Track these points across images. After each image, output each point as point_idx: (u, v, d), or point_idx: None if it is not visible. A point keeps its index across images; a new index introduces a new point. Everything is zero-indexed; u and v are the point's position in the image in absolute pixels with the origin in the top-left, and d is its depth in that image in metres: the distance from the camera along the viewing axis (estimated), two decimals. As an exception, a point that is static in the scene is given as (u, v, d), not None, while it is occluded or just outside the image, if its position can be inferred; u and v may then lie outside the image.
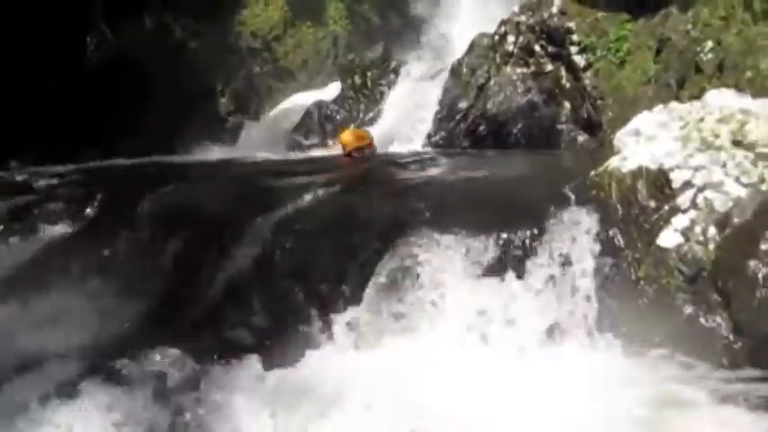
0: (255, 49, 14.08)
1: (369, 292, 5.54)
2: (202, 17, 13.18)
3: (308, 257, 5.85)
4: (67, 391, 4.95)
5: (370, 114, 11.88)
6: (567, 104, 10.02)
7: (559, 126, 9.86)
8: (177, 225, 6.70)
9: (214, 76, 13.58)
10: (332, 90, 12.93)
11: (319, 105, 12.39)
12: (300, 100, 13.38)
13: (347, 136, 9.69)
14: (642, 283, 5.03)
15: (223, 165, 10.26)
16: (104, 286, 6.39)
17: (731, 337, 4.72)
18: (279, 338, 5.51)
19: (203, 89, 13.32)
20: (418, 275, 5.48)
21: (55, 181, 8.60)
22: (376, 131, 11.15)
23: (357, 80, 12.34)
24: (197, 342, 5.44)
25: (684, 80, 9.14)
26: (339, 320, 5.48)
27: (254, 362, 5.18)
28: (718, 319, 4.79)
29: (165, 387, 5.01)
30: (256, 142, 12.74)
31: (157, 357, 5.20)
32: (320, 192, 6.67)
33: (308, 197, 6.55)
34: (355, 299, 5.55)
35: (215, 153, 12.11)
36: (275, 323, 5.67)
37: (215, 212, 6.68)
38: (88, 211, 7.56)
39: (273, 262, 5.95)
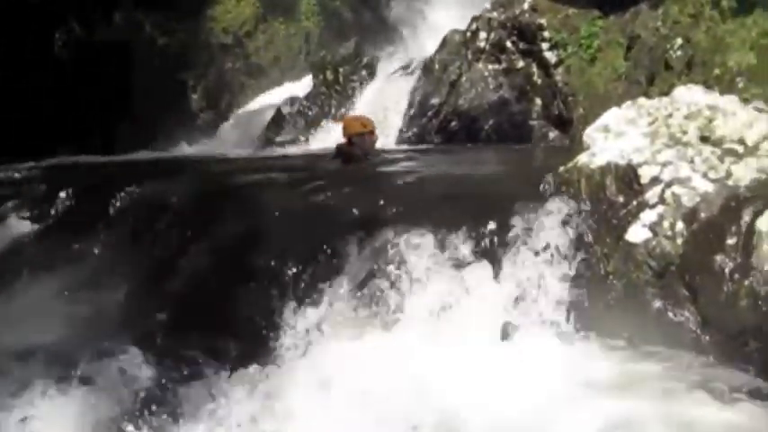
0: (227, 46, 13.99)
1: (341, 286, 5.55)
2: (173, 13, 13.09)
3: (278, 254, 5.84)
4: (31, 392, 4.92)
5: (343, 110, 11.86)
6: (539, 101, 10.07)
7: (531, 122, 9.90)
8: (148, 223, 6.68)
9: (185, 72, 13.50)
10: (304, 86, 12.90)
11: (291, 101, 12.36)
12: (272, 96, 13.35)
13: (350, 120, 9.26)
14: (611, 277, 5.07)
15: (195, 161, 10.22)
16: (71, 285, 6.36)
17: (699, 330, 4.76)
18: (250, 335, 5.50)
19: (174, 85, 13.23)
20: (391, 270, 5.50)
21: (21, 177, 8.53)
22: (348, 128, 11.15)
23: (329, 76, 12.32)
24: (166, 341, 5.42)
25: (654, 77, 9.21)
26: (311, 314, 5.48)
27: (223, 357, 5.17)
28: (686, 313, 4.83)
29: (133, 388, 4.99)
30: (229, 138, 12.71)
31: (125, 358, 5.18)
32: (291, 188, 6.67)
33: (279, 193, 6.54)
34: (326, 293, 5.55)
35: (187, 149, 12.09)
36: (245, 319, 5.65)
37: (186, 210, 6.65)
38: (55, 209, 7.51)
39: (243, 258, 5.94)
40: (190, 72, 13.52)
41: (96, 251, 6.76)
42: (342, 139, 8.66)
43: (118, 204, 7.02)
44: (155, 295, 6.00)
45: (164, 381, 5.14)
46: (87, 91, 11.81)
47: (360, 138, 8.53)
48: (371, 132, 8.69)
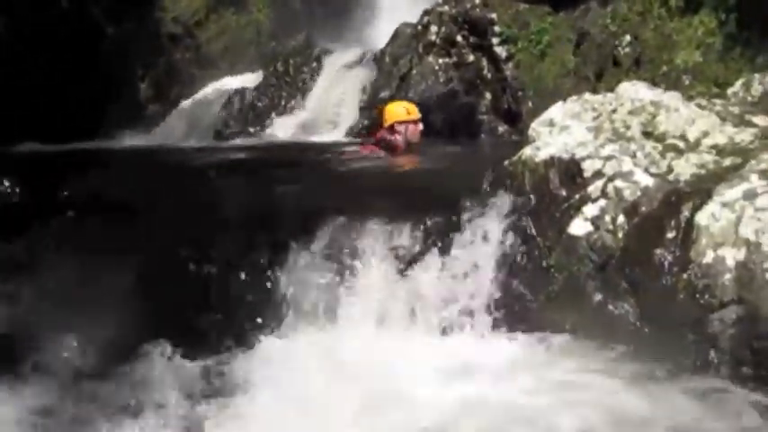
0: (177, 36, 13.87)
1: (286, 282, 5.50)
2: (121, 1, 12.94)
3: (222, 248, 5.76)
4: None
5: (293, 102, 11.83)
6: (488, 95, 10.16)
7: (480, 116, 9.98)
8: (90, 213, 6.54)
9: (134, 61, 13.34)
10: (254, 78, 12.82)
11: (241, 93, 12.30)
12: (222, 87, 13.26)
13: (393, 106, 8.14)
14: (553, 270, 5.07)
15: (141, 152, 10.10)
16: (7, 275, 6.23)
17: (638, 323, 4.79)
18: (193, 329, 5.42)
19: (123, 75, 13.07)
20: (336, 264, 5.47)
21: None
22: (298, 119, 11.13)
23: (279, 68, 12.28)
24: (104, 332, 5.33)
25: (602, 73, 9.34)
26: (256, 310, 5.43)
27: (165, 350, 5.10)
28: (627, 306, 4.85)
29: (68, 378, 4.91)
30: (177, 130, 12.60)
31: (62, 347, 5.09)
32: (237, 181, 6.59)
33: (223, 186, 6.47)
34: (272, 290, 5.50)
35: (134, 140, 11.96)
36: (189, 312, 5.56)
37: (128, 201, 6.53)
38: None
39: (185, 253, 5.84)
40: (138, 61, 13.37)
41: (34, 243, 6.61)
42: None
43: (59, 195, 6.86)
44: (91, 286, 5.88)
45: (103, 374, 5.06)
46: (38, 79, 11.61)
47: (404, 126, 7.78)
48: (416, 121, 7.89)
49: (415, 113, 7.90)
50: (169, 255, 5.92)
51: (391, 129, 7.77)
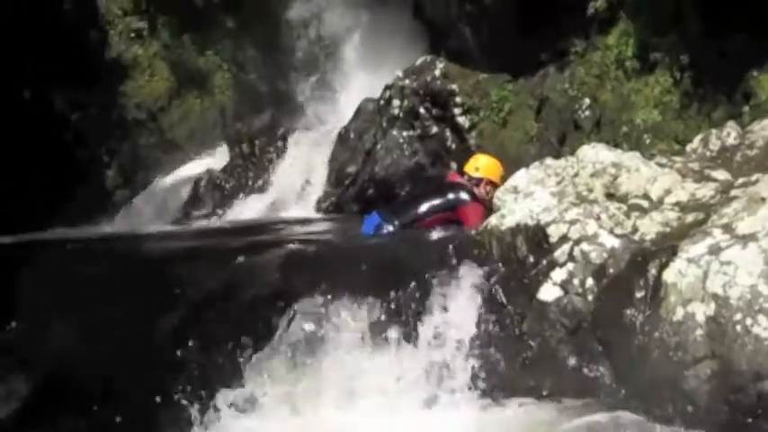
0: (141, 121, 13.91)
1: (256, 364, 5.43)
2: (84, 88, 12.97)
3: (189, 333, 5.66)
4: None
5: (260, 182, 11.87)
6: (454, 165, 10.19)
7: (447, 187, 9.97)
8: (52, 309, 6.42)
9: (99, 148, 13.34)
10: (220, 159, 12.88)
11: (208, 175, 12.33)
12: (189, 170, 13.28)
13: (495, 163, 7.42)
14: (526, 337, 5.07)
15: (105, 240, 10.00)
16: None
17: (614, 384, 4.78)
18: (158, 419, 5.29)
19: (88, 162, 13.06)
20: (306, 345, 5.40)
21: None
22: (266, 198, 11.14)
23: (245, 149, 12.34)
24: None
25: (565, 137, 9.43)
26: (224, 397, 5.32)
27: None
28: (601, 369, 4.85)
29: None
30: (145, 215, 12.57)
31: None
32: (204, 263, 6.53)
33: (191, 269, 6.40)
34: (241, 373, 5.41)
35: (101, 227, 11.89)
36: (152, 404, 5.42)
37: (89, 292, 6.39)
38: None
39: (151, 337, 5.75)
40: (103, 148, 13.38)
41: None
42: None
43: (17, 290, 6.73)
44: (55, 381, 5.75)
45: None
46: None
47: (492, 189, 6.88)
48: (496, 185, 6.88)
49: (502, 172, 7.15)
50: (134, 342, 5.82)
51: (480, 183, 7.18)
